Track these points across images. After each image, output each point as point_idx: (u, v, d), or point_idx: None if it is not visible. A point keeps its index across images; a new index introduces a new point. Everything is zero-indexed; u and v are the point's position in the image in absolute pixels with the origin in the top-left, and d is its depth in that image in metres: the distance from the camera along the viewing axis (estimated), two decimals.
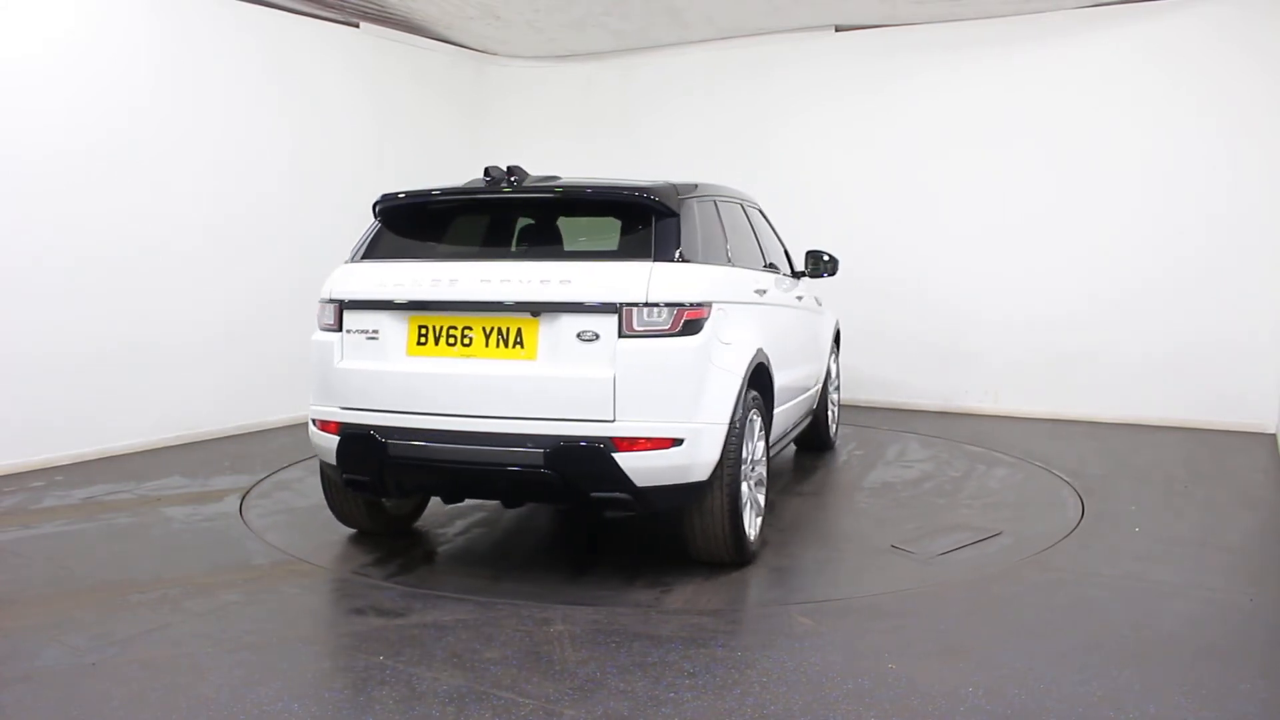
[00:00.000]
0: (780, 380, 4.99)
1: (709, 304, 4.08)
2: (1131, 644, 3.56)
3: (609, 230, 4.41)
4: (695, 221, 4.40)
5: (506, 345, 4.04)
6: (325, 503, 4.81)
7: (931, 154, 8.52)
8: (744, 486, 4.34)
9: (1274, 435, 7.37)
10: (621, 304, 3.90)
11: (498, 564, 4.55)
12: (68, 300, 6.31)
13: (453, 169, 8.51)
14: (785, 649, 3.49)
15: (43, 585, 4.18)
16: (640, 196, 4.20)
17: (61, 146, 6.26)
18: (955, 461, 6.57)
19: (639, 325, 3.90)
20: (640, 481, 3.92)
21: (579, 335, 3.94)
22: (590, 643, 3.54)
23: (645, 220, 4.21)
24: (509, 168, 4.47)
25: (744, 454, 4.30)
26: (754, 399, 4.42)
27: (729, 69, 9.26)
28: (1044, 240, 8.18)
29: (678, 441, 3.92)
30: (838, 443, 7.17)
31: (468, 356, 4.09)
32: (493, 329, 4.06)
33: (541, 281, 3.99)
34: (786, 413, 5.35)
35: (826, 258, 6.22)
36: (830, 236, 7.89)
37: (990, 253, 8.39)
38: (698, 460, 3.99)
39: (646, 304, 3.91)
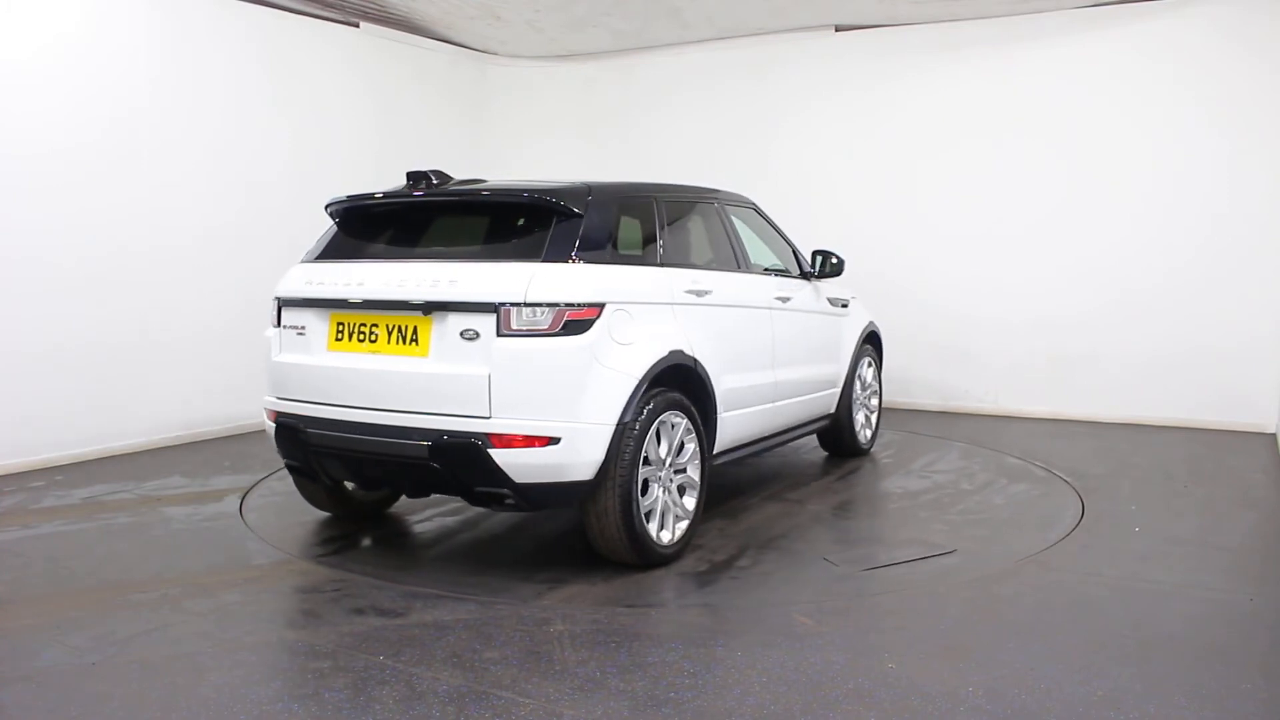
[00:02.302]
0: (730, 383, 4.92)
1: (601, 304, 4.11)
2: (1131, 644, 3.56)
3: (513, 232, 4.44)
4: (609, 223, 4.42)
5: (404, 342, 4.23)
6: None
7: (931, 154, 8.52)
8: (655, 489, 4.34)
9: (1274, 435, 7.37)
10: (499, 304, 3.99)
11: (502, 562, 4.55)
12: (67, 298, 6.32)
13: (452, 169, 8.52)
14: (785, 649, 3.49)
15: (43, 585, 4.18)
16: (541, 199, 4.27)
17: (62, 144, 6.26)
18: (980, 474, 6.27)
19: (516, 325, 3.98)
20: (518, 478, 4.01)
21: (462, 334, 4.07)
22: (590, 643, 3.54)
23: (547, 222, 4.27)
24: (430, 171, 4.55)
25: (658, 455, 4.34)
26: (673, 400, 4.40)
27: (729, 69, 9.26)
28: (1046, 239, 8.18)
29: (554, 440, 3.97)
30: (874, 448, 6.96)
31: (374, 352, 4.31)
32: (394, 327, 4.27)
33: (433, 282, 4.14)
34: (750, 417, 5.22)
35: (835, 259, 6.17)
36: (831, 236, 7.89)
37: (991, 252, 8.38)
38: (578, 460, 4.03)
39: (525, 304, 3.98)
